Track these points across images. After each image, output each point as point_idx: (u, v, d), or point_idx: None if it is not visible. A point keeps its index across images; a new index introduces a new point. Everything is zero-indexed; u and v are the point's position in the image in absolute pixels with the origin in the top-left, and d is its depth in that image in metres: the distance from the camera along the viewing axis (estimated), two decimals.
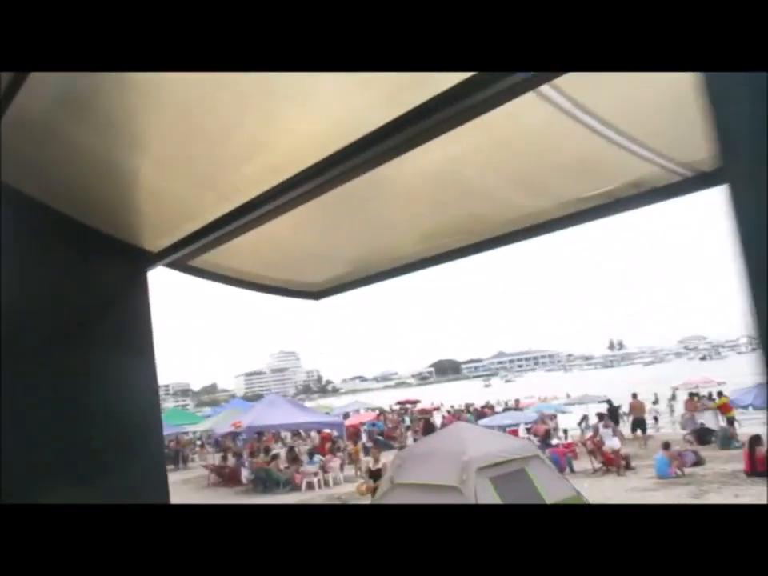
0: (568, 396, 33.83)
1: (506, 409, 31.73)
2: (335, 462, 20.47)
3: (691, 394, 23.94)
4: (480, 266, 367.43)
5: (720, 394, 23.60)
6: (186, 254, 2.86)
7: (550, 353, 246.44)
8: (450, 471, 9.72)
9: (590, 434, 19.20)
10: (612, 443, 16.94)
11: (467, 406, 36.11)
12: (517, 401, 33.68)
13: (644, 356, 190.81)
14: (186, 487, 23.97)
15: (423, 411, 35.85)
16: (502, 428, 19.81)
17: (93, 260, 2.86)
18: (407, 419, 33.29)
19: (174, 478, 27.51)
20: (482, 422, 24.54)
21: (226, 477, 22.89)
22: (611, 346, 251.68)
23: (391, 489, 10.54)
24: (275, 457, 21.64)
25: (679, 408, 32.03)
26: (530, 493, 10.09)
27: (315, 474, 19.65)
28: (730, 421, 21.34)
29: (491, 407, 32.90)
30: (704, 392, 25.85)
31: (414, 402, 42.51)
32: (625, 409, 24.66)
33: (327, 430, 24.09)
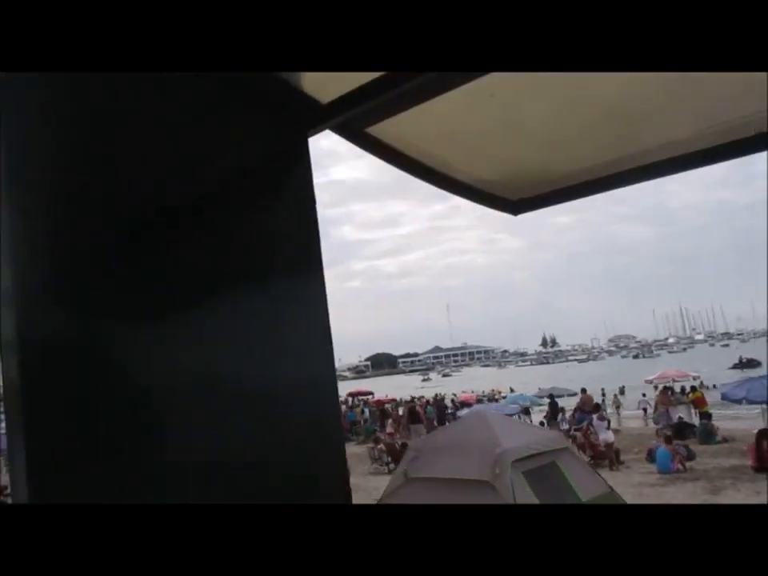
0: (539, 389, 33.02)
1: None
2: None
3: (665, 388, 23.44)
4: (414, 260, 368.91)
5: (693, 388, 23.28)
6: (364, 112, 1.94)
7: (485, 348, 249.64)
8: (479, 464, 8.44)
9: (568, 426, 18.39)
10: (606, 436, 16.11)
11: (436, 396, 35.12)
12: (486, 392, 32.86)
13: (577, 353, 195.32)
14: None
15: (379, 403, 34.67)
16: None
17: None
18: (366, 411, 31.94)
19: None
20: (461, 413, 23.46)
21: None
22: (544, 343, 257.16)
23: (404, 484, 9.21)
24: None
25: (627, 403, 32.11)
26: (562, 489, 8.95)
27: None
28: (706, 415, 20.94)
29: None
30: (674, 386, 25.61)
31: (367, 394, 41.25)
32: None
33: None
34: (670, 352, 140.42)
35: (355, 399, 38.35)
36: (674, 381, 27.07)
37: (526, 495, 8.27)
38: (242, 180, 1.83)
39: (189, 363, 1.50)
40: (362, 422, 30.03)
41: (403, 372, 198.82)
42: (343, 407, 33.97)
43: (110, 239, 1.44)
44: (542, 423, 21.37)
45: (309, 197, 2.21)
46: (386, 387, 60.87)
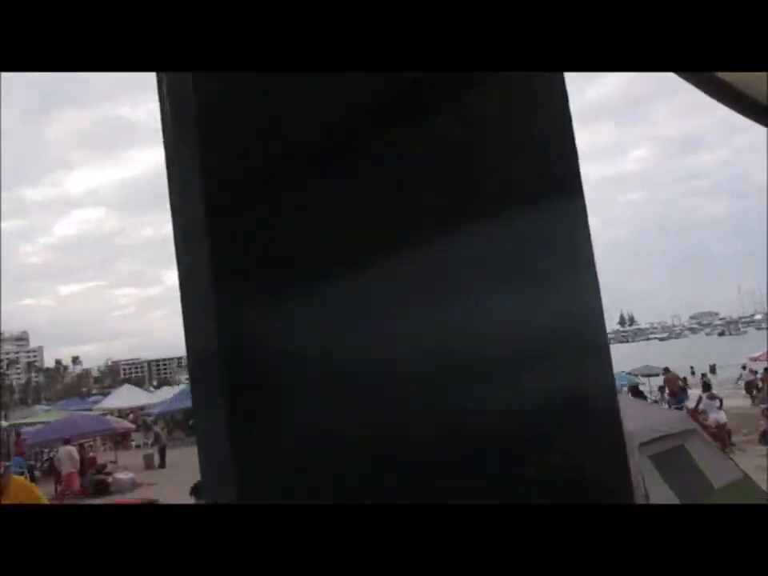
0: (632, 369, 31.56)
1: None
2: None
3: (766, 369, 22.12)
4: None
5: None
6: None
7: None
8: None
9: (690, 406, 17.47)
10: (718, 416, 15.23)
11: None
12: None
13: (657, 331, 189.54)
14: None
15: None
16: None
17: None
18: None
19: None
20: None
21: None
22: (622, 322, 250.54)
23: None
24: None
25: (719, 381, 30.35)
26: (694, 475, 8.34)
27: None
28: None
29: None
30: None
31: None
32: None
33: None
34: (758, 329, 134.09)
35: None
36: None
37: (656, 483, 7.74)
38: None
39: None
40: None
41: None
42: None
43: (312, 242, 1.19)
44: None
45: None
46: None
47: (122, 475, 18.91)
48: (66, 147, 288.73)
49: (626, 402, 9.82)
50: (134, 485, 18.35)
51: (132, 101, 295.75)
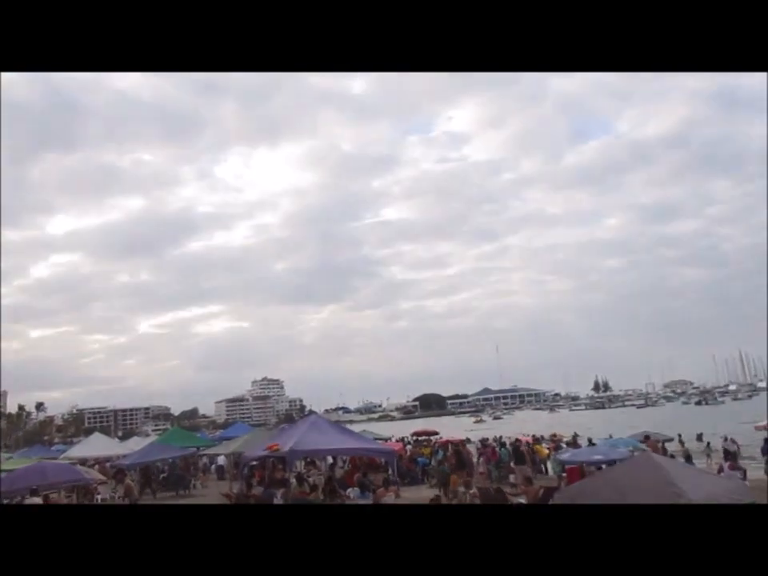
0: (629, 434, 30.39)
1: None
2: (390, 497, 17.65)
3: None
4: (461, 301, 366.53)
5: None
6: None
7: (535, 391, 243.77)
8: None
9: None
10: None
11: (511, 438, 33.09)
12: (553, 435, 30.88)
13: (632, 398, 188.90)
14: None
15: (454, 443, 33.04)
16: (591, 464, 17.23)
17: None
18: (440, 452, 30.32)
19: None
20: (563, 456, 21.77)
21: None
22: (596, 387, 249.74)
23: None
24: (315, 488, 18.84)
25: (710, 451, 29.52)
26: None
27: None
28: None
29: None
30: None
31: (432, 434, 39.64)
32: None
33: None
34: (734, 399, 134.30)
35: (419, 439, 36.78)
36: None
37: None
38: None
39: None
40: (434, 464, 28.46)
41: (452, 413, 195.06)
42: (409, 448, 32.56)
43: None
44: None
45: None
46: (438, 428, 59.04)
47: None
48: (48, 191, 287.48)
49: (682, 469, 8.94)
50: None
51: (118, 149, 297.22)
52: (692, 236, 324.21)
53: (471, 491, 17.58)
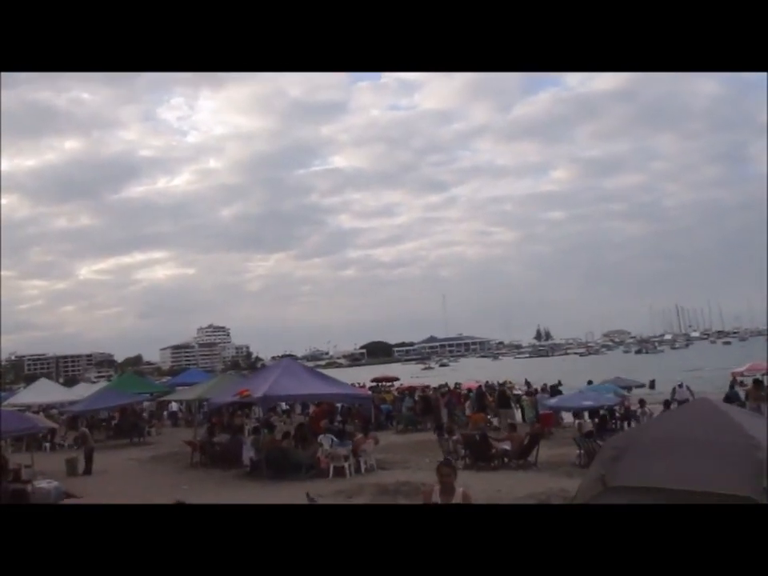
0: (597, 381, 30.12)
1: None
2: (369, 445, 16.88)
3: (756, 381, 21.49)
4: (408, 251, 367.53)
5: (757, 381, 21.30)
6: None
7: (480, 339, 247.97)
8: (728, 472, 6.27)
9: None
10: None
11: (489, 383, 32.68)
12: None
13: (573, 347, 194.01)
14: (164, 467, 19.89)
15: (415, 388, 32.60)
16: (582, 410, 16.78)
17: None
18: (408, 399, 29.77)
19: (135, 454, 23.49)
20: (550, 402, 21.33)
21: (218, 456, 19.00)
22: (539, 336, 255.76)
23: (603, 493, 7.05)
24: (287, 435, 17.90)
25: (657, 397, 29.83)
26: None
27: (346, 458, 16.02)
28: None
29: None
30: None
31: (393, 380, 39.16)
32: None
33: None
34: (672, 348, 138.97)
35: (380, 385, 36.22)
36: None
37: None
38: None
39: None
40: (404, 410, 27.94)
41: (398, 361, 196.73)
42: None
43: None
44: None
45: None
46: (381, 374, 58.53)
47: (43, 483, 16.05)
48: None
49: (750, 417, 8.18)
50: (60, 495, 15.56)
51: (54, 87, 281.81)
52: (635, 190, 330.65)
53: (455, 437, 16.98)
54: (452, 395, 28.82)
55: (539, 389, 27.93)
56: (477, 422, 20.22)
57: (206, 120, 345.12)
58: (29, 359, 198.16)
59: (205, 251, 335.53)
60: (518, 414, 25.69)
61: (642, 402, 21.51)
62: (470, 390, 30.52)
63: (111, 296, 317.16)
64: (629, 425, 18.42)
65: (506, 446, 16.51)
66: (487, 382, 34.84)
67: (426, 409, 27.26)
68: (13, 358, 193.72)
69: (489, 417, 24.24)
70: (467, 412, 26.19)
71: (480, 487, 13.07)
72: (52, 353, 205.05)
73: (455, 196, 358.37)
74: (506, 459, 16.34)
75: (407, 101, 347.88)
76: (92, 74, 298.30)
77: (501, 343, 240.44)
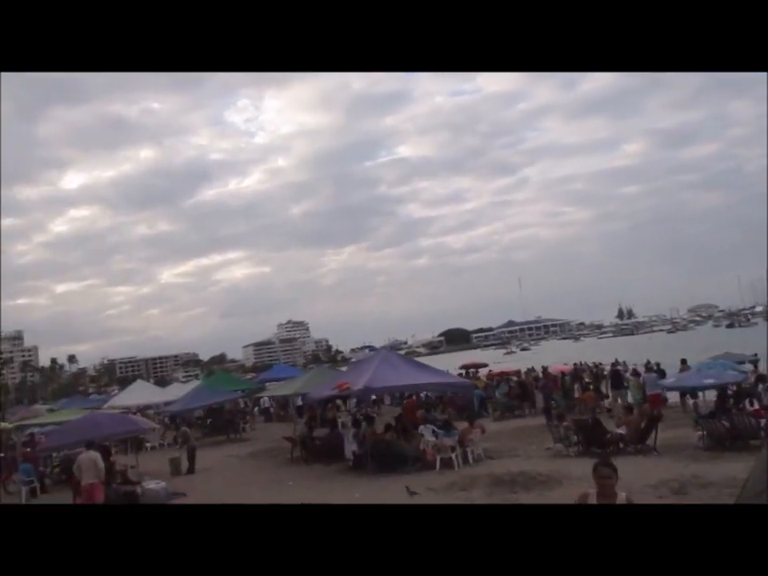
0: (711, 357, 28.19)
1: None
2: (476, 434, 16.22)
3: None
4: (480, 236, 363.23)
5: None
6: None
7: (560, 321, 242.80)
8: None
9: None
10: None
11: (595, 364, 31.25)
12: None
13: (657, 324, 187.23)
14: (265, 463, 19.81)
15: (508, 374, 31.70)
16: (704, 389, 15.64)
17: None
18: (503, 385, 28.93)
19: (233, 451, 23.61)
20: (667, 381, 20.15)
21: (318, 451, 18.74)
22: (620, 315, 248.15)
23: None
24: (389, 427, 17.42)
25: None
26: None
27: (453, 449, 15.40)
28: None
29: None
30: None
31: (481, 366, 38.30)
32: None
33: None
34: (766, 320, 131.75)
35: (469, 372, 35.41)
36: None
37: None
38: None
39: None
40: (498, 396, 27.14)
41: (477, 347, 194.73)
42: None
43: None
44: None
45: None
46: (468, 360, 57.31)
47: (152, 484, 16.17)
48: (59, 145, 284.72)
49: None
50: (169, 495, 15.63)
51: (125, 99, 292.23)
52: (712, 159, 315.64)
53: (565, 423, 16.10)
54: (547, 379, 27.74)
55: (642, 369, 26.48)
56: (587, 402, 19.21)
57: (273, 120, 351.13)
58: (120, 362, 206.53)
59: (278, 249, 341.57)
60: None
61: (762, 378, 19.98)
62: (563, 373, 29.30)
63: (193, 298, 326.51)
64: (751, 404, 17.04)
65: (621, 430, 15.51)
66: (576, 364, 33.45)
67: (523, 394, 26.36)
68: (105, 362, 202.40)
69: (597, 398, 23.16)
70: (567, 395, 25.15)
71: None
72: (141, 355, 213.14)
73: (525, 178, 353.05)
74: (621, 444, 15.35)
75: (470, 85, 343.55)
76: (161, 83, 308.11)
77: (581, 324, 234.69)
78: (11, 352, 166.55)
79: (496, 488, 12.64)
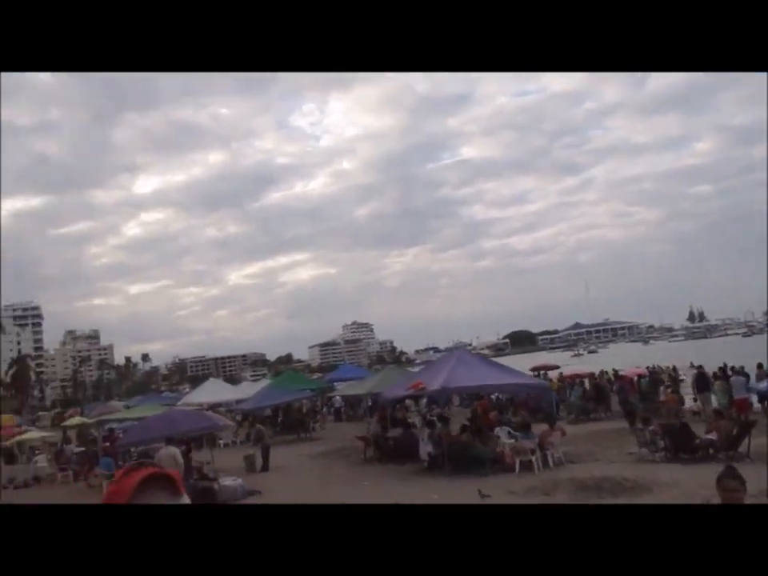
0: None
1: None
2: (556, 437, 15.72)
3: None
4: (546, 237, 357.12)
5: None
6: None
7: (628, 324, 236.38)
8: None
9: None
10: None
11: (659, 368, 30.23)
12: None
13: (732, 327, 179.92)
14: (337, 462, 19.76)
15: (576, 377, 30.81)
16: None
17: None
18: (578, 388, 28.17)
19: (304, 449, 23.68)
20: (762, 385, 19.23)
21: (392, 451, 18.56)
22: (692, 318, 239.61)
23: None
24: (464, 428, 17.10)
25: None
26: None
27: (533, 452, 14.96)
28: None
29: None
30: None
31: (552, 368, 37.40)
32: None
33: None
34: None
35: (539, 374, 34.62)
36: None
37: None
38: None
39: None
40: (574, 399, 26.42)
41: (543, 349, 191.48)
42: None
43: None
44: None
45: None
46: (534, 364, 55.90)
47: (228, 481, 16.30)
48: (132, 150, 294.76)
49: None
50: (244, 492, 15.72)
51: (195, 104, 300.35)
52: None
53: (651, 427, 15.42)
54: (623, 382, 26.81)
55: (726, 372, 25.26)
56: (670, 405, 18.41)
57: (337, 122, 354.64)
58: (190, 361, 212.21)
59: (343, 251, 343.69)
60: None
61: None
62: (640, 376, 28.29)
63: (260, 299, 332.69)
64: None
65: (711, 435, 14.74)
66: (649, 367, 32.21)
67: (598, 397, 25.56)
68: (176, 360, 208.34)
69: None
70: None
71: (696, 483, 11.60)
72: (210, 355, 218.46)
73: (591, 178, 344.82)
74: (711, 450, 14.58)
75: (534, 85, 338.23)
76: (229, 88, 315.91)
77: (651, 327, 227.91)
78: (88, 350, 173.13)
79: (581, 493, 12.16)
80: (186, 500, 1.63)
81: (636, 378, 27.83)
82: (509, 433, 16.94)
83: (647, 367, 31.90)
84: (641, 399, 24.30)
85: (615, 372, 31.23)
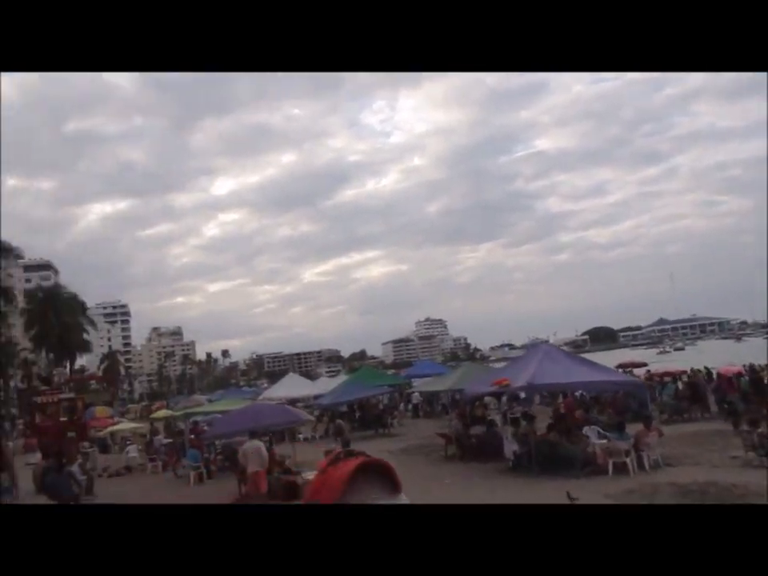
0: None
1: None
2: (652, 438, 14.86)
3: None
4: (626, 229, 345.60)
5: None
6: None
7: (718, 320, 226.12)
8: None
9: None
10: None
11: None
12: None
13: None
14: (418, 459, 19.39)
15: (668, 374, 29.37)
16: None
17: None
18: (670, 386, 26.85)
19: (384, 446, 23.43)
20: None
21: (474, 449, 18.07)
22: None
23: None
24: (551, 427, 16.43)
25: None
26: None
27: (627, 453, 14.17)
28: None
29: None
30: None
31: (639, 366, 35.89)
32: None
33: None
34: None
35: (626, 371, 33.21)
36: None
37: None
38: None
39: None
40: (666, 398, 25.16)
41: (625, 346, 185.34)
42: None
43: None
44: None
45: None
46: (617, 361, 53.65)
47: (311, 475, 16.19)
48: (209, 153, 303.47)
49: None
50: None
51: (269, 106, 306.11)
52: None
53: (760, 430, 14.35)
54: (721, 380, 25.33)
55: None
56: None
57: (408, 119, 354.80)
58: (267, 357, 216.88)
59: (415, 247, 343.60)
60: None
61: None
62: (740, 374, 26.64)
63: (333, 296, 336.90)
64: None
65: None
66: (745, 365, 30.17)
67: (693, 396, 24.22)
68: (254, 356, 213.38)
69: None
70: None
71: None
72: (286, 351, 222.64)
73: (675, 166, 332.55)
74: None
75: (612, 72, 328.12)
76: (300, 89, 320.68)
77: (743, 323, 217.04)
78: (172, 346, 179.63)
79: (684, 499, 11.35)
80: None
81: (735, 377, 26.24)
82: (598, 432, 16.17)
83: (743, 365, 30.01)
84: (742, 399, 22.85)
85: (708, 370, 29.56)
